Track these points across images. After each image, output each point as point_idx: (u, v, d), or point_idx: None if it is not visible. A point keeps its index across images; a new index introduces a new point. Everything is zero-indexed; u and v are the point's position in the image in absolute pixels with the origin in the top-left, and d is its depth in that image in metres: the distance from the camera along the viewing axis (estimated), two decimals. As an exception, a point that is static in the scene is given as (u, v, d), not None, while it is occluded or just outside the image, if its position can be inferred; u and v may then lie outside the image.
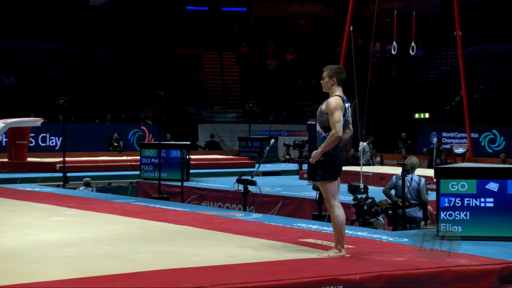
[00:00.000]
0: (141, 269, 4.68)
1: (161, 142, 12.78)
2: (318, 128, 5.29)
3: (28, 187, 11.33)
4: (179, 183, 11.28)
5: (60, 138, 18.86)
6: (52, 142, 19.69)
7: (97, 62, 25.85)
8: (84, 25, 25.96)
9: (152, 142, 19.24)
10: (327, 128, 5.18)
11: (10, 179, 12.94)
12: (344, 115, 5.18)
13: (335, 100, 5.17)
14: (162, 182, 11.82)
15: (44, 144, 19.52)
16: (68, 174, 12.85)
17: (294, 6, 29.66)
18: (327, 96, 5.38)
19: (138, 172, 13.45)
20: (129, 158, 16.01)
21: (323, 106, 5.24)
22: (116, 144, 20.08)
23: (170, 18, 27.63)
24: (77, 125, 20.17)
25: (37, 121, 15.62)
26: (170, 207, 8.72)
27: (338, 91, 5.26)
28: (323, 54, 18.93)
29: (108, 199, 9.71)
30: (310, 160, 5.27)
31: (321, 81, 5.35)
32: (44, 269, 4.67)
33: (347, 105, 5.27)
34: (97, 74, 24.79)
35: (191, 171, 13.08)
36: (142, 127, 21.44)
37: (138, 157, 13.73)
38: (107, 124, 21.59)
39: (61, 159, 13.13)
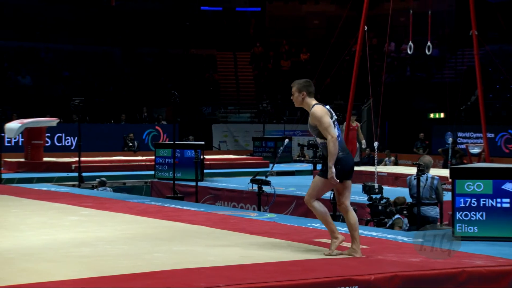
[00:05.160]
0: (156, 268, 4.70)
1: (176, 142, 12.81)
2: (318, 141, 5.32)
3: (44, 187, 11.41)
4: (193, 183, 11.30)
5: (76, 138, 18.96)
6: (68, 142, 19.81)
7: (111, 62, 25.98)
8: (98, 25, 26.10)
9: (166, 142, 19.29)
10: (323, 136, 5.20)
11: (27, 179, 13.05)
12: (331, 117, 5.21)
13: (317, 108, 5.21)
14: (176, 182, 11.86)
15: (60, 144, 19.65)
16: (84, 174, 12.92)
17: (308, 6, 29.62)
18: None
19: (152, 172, 13.50)
20: (144, 158, 16.07)
21: (309, 121, 5.28)
22: (130, 144, 20.17)
23: (185, 18, 27.70)
24: (92, 125, 20.28)
25: (52, 121, 15.73)
26: (184, 207, 8.74)
27: (312, 101, 5.30)
28: (337, 54, 18.88)
29: (123, 199, 9.75)
30: (328, 178, 5.19)
31: (291, 97, 5.39)
32: (60, 268, 4.70)
33: (327, 107, 5.29)
34: (111, 74, 24.92)
35: (205, 171, 13.11)
36: (157, 127, 21.51)
37: (153, 157, 13.77)
38: (122, 124, 21.69)
39: (77, 159, 13.22)
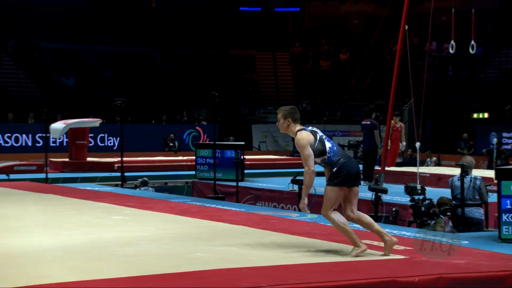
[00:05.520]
0: (198, 268, 4.73)
1: (217, 143, 12.89)
2: (316, 160, 5.35)
3: (88, 186, 11.62)
4: (234, 183, 11.35)
5: (118, 139, 19.26)
6: (110, 142, 20.12)
7: (152, 63, 26.28)
8: (139, 27, 26.44)
9: (207, 142, 19.42)
10: (317, 154, 5.28)
11: (72, 179, 13.31)
12: (316, 139, 5.28)
13: (300, 135, 5.29)
14: (217, 182, 11.92)
15: (103, 144, 19.97)
16: (126, 174, 13.10)
17: (347, 5, 29.44)
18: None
19: (193, 172, 13.61)
20: (185, 158, 16.21)
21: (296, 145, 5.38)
22: (171, 144, 20.37)
23: (224, 19, 27.84)
24: (133, 126, 20.55)
25: (95, 122, 15.99)
26: (225, 207, 8.79)
27: (297, 127, 5.38)
28: (377, 53, 18.72)
29: (164, 198, 9.86)
30: (300, 207, 5.40)
31: (277, 123, 5.52)
32: (106, 267, 4.78)
33: (309, 128, 5.37)
34: (152, 75, 25.20)
35: (245, 171, 13.15)
36: (197, 128, 21.66)
37: (193, 157, 13.88)
38: (163, 124, 21.92)
39: (119, 159, 13.41)
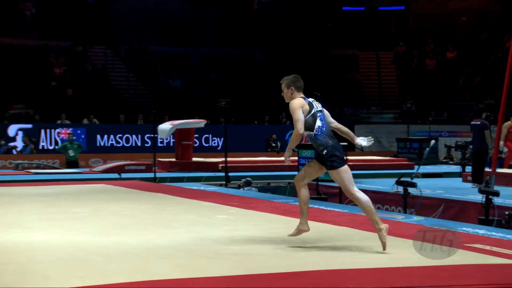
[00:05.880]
0: (304, 268, 4.74)
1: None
2: (305, 133, 5.54)
3: (194, 186, 11.94)
4: (337, 184, 11.25)
5: (221, 139, 19.67)
6: (214, 143, 20.56)
7: (255, 64, 26.61)
8: (242, 29, 26.85)
9: (308, 143, 19.37)
10: (307, 127, 5.46)
11: (178, 178, 13.72)
12: (310, 111, 5.46)
13: (295, 101, 5.49)
14: (319, 183, 11.89)
15: (207, 145, 20.45)
16: (230, 174, 13.33)
17: (455, 2, 28.49)
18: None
19: (295, 173, 13.61)
20: (287, 158, 16.26)
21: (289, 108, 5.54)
22: (273, 144, 20.53)
23: (327, 19, 27.73)
24: (237, 126, 20.89)
25: (200, 123, 16.39)
26: (328, 208, 8.75)
27: (298, 95, 5.57)
28: (487, 51, 17.97)
29: (267, 198, 9.96)
30: (284, 158, 5.67)
31: (282, 94, 5.68)
32: (213, 265, 4.88)
33: (309, 100, 5.54)
34: (255, 76, 25.51)
35: (349, 172, 13.00)
36: (299, 128, 21.65)
37: (296, 158, 13.90)
38: (265, 125, 22.13)
39: (223, 159, 13.67)
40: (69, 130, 18.39)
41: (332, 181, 11.98)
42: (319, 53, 26.95)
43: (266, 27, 27.09)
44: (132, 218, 7.57)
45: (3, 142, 18.45)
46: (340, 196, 11.04)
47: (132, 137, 19.88)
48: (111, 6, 26.49)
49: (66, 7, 25.40)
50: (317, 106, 5.55)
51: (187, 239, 6.07)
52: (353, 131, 25.14)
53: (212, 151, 19.72)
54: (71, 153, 17.03)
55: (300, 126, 5.39)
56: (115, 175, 14.07)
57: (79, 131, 19.03)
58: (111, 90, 23.28)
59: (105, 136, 19.63)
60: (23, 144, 18.50)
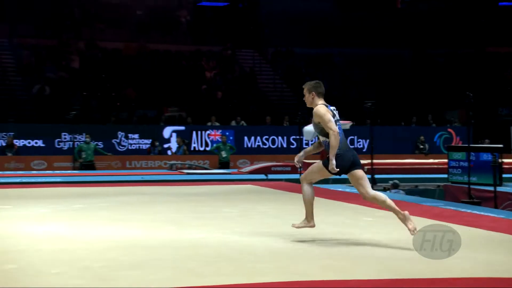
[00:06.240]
0: (454, 275, 4.55)
1: (471, 145, 12.29)
2: (321, 139, 5.71)
3: (338, 188, 11.89)
4: (491, 188, 10.71)
5: (367, 141, 19.43)
6: (360, 144, 20.36)
7: (401, 64, 25.98)
8: (387, 28, 26.34)
9: (460, 145, 18.64)
10: (327, 134, 5.58)
11: (323, 180, 13.68)
12: (333, 117, 5.61)
13: (320, 107, 5.64)
14: (472, 187, 11.37)
15: (352, 146, 20.15)
16: (376, 176, 13.13)
17: None
18: None
19: (445, 175, 13.15)
20: (436, 161, 15.74)
21: (313, 118, 5.69)
22: (421, 146, 19.94)
23: (479, 15, 26.44)
24: (383, 128, 20.52)
25: (346, 124, 16.26)
26: (482, 213, 8.32)
27: (319, 101, 5.71)
28: None
29: (415, 201, 9.68)
30: (329, 169, 5.61)
31: (304, 98, 5.83)
32: (359, 268, 4.82)
33: (331, 108, 5.69)
34: (402, 76, 24.91)
35: (504, 175, 12.33)
36: (449, 130, 20.90)
37: (445, 160, 13.41)
38: (413, 126, 21.54)
39: (369, 161, 13.48)
40: (219, 132, 19.09)
41: (485, 184, 11.46)
42: (469, 51, 25.76)
43: (413, 26, 26.36)
44: (277, 218, 7.68)
45: (157, 144, 19.54)
46: (495, 200, 10.47)
47: (278, 138, 20.21)
48: (260, 10, 27.13)
49: (218, 12, 26.39)
50: (337, 114, 5.73)
51: (335, 242, 6.04)
52: (508, 132, 23.78)
53: (358, 152, 19.35)
54: (224, 154, 17.68)
55: (334, 126, 5.53)
56: (262, 176, 14.36)
57: (227, 133, 19.68)
58: (258, 93, 23.82)
59: (252, 138, 20.13)
60: (177, 145, 19.47)
